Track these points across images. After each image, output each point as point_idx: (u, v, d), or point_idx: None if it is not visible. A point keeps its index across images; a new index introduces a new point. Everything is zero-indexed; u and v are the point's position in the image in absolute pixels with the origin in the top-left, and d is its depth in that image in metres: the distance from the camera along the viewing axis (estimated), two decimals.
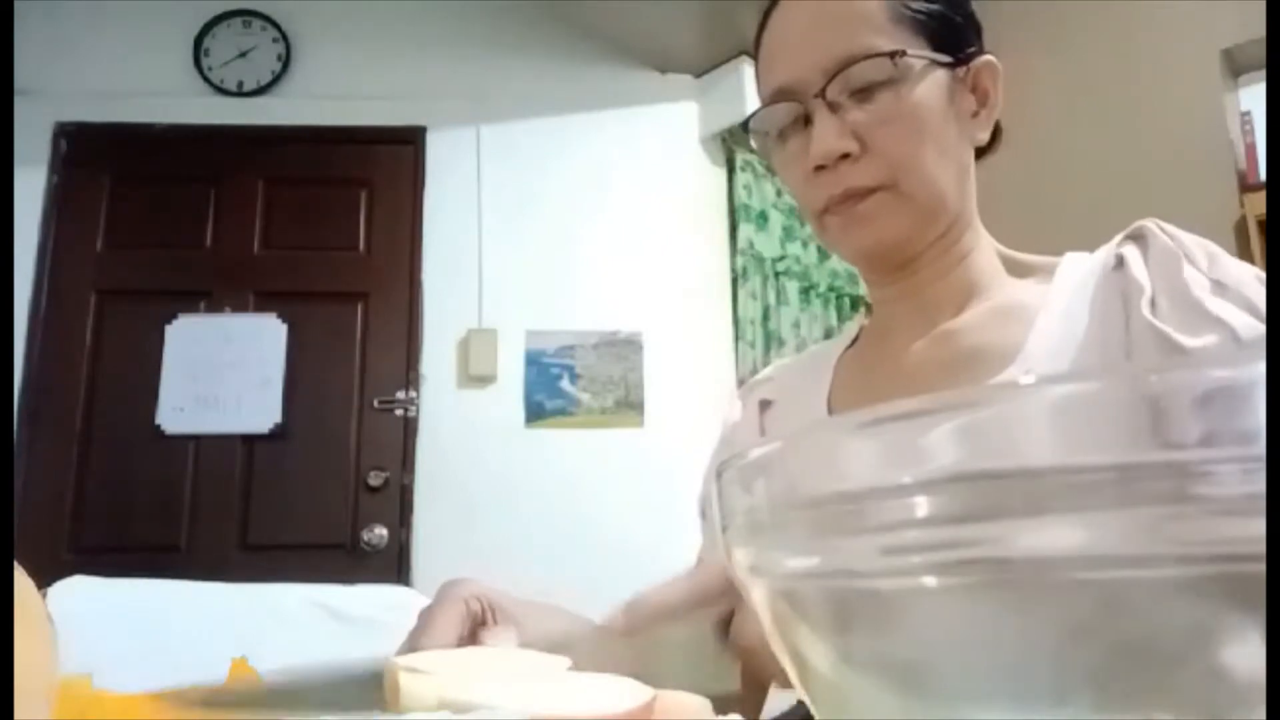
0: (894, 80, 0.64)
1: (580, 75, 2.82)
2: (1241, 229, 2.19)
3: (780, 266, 2.87)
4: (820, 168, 0.66)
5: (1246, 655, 0.13)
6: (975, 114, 0.69)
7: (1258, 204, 2.17)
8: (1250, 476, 0.13)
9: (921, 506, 0.15)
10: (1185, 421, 0.14)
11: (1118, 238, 0.67)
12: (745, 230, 2.79)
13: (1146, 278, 0.62)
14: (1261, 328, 0.57)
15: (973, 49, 0.69)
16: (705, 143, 2.85)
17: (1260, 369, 0.13)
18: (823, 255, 3.04)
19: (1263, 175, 2.25)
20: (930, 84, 0.65)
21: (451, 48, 2.81)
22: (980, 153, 0.71)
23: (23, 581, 0.30)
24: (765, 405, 0.80)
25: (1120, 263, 0.64)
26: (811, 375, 0.78)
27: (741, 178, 2.84)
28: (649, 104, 2.84)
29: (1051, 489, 0.14)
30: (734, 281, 2.79)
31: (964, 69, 0.68)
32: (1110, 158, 2.28)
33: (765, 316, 2.79)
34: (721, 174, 2.89)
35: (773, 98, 0.69)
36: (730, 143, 2.86)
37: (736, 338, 2.74)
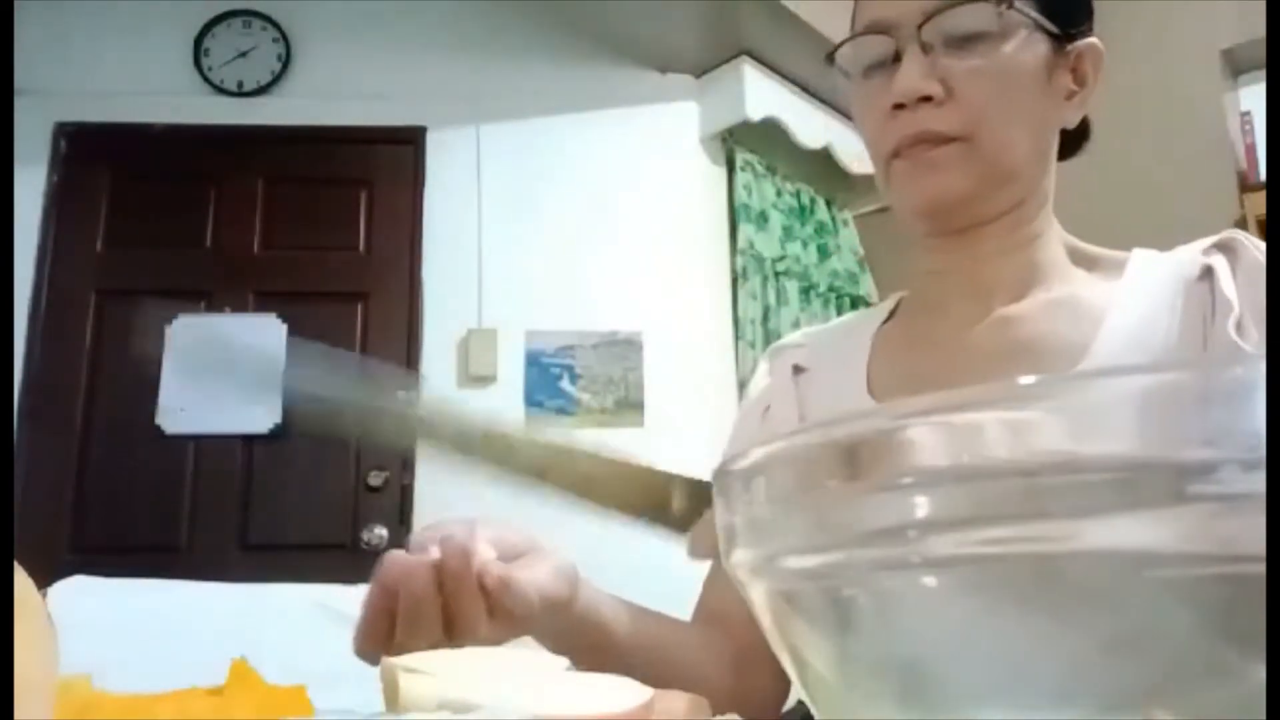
0: (994, 34, 0.62)
1: (580, 75, 2.82)
2: (1241, 229, 2.19)
3: (780, 266, 2.87)
4: (899, 107, 0.62)
5: (1247, 655, 0.13)
6: (1070, 96, 0.66)
7: (1258, 204, 2.17)
8: (1250, 478, 0.13)
9: (921, 507, 0.15)
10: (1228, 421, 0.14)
11: (1203, 244, 0.64)
12: (745, 230, 2.79)
13: (1235, 295, 0.59)
14: None
15: (1082, 28, 0.66)
16: (705, 143, 2.85)
17: None
18: (823, 255, 3.04)
19: (1263, 175, 2.25)
20: (1031, 47, 0.63)
21: (451, 48, 2.81)
22: (1064, 151, 0.69)
23: (23, 581, 0.30)
24: (799, 370, 0.76)
25: (1206, 273, 0.61)
26: (848, 347, 0.74)
27: (741, 178, 2.84)
28: (649, 104, 2.84)
29: (1051, 489, 0.14)
30: (734, 281, 2.79)
31: (1068, 46, 0.65)
32: (1110, 157, 2.27)
33: (765, 316, 2.79)
34: (721, 174, 2.89)
35: (866, 29, 0.65)
36: (730, 143, 2.86)
37: (736, 338, 2.74)
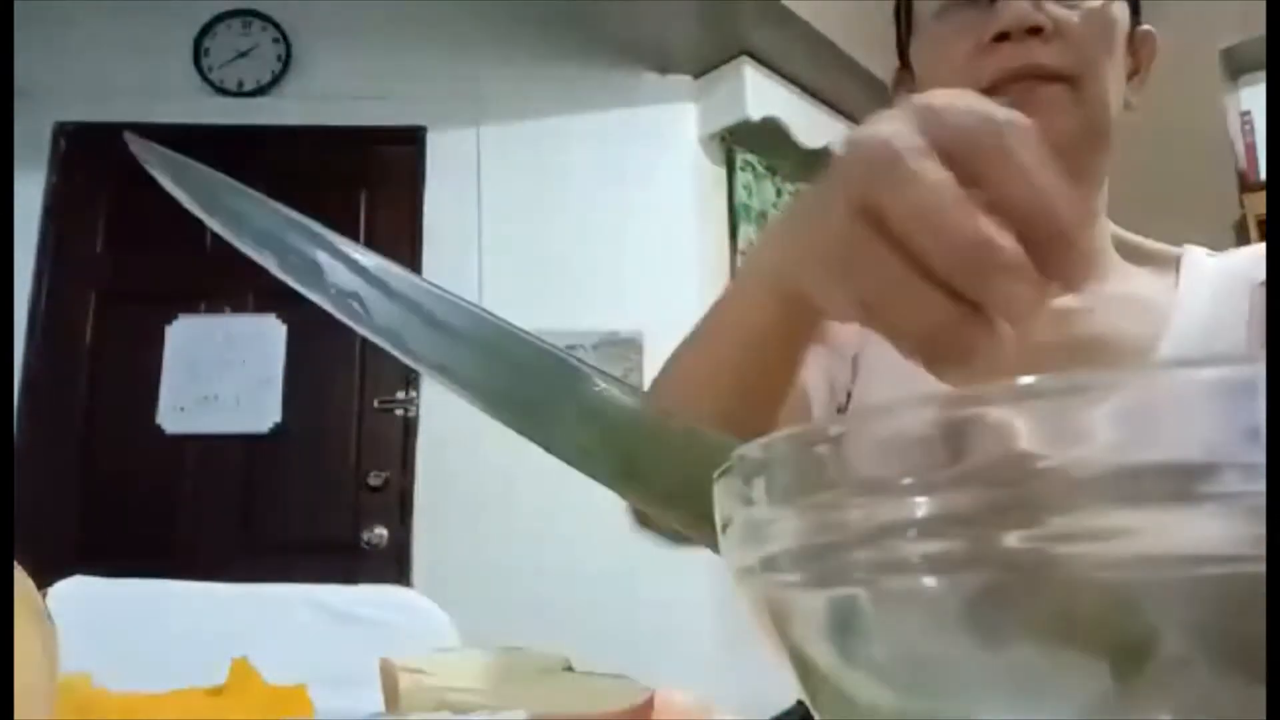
0: None
1: (580, 75, 2.82)
2: (1241, 229, 2.19)
3: None
4: (1002, 38, 0.59)
5: (1247, 655, 0.13)
6: (1130, 76, 0.65)
7: (1258, 204, 2.17)
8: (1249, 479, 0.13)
9: (922, 506, 0.15)
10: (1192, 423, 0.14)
11: (1261, 248, 0.63)
12: (745, 230, 2.79)
13: None
14: None
15: (1138, 16, 0.66)
16: (705, 143, 2.85)
17: None
18: None
19: (1263, 175, 2.25)
20: (1122, 12, 0.62)
21: (451, 48, 2.81)
22: None
23: (23, 582, 0.30)
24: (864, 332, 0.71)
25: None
26: None
27: (741, 178, 2.84)
28: (649, 104, 2.84)
29: (1050, 489, 0.14)
30: None
31: (1135, 28, 0.65)
32: (1110, 157, 2.27)
33: None
34: (721, 174, 2.89)
35: None
36: (730, 143, 2.86)
37: None
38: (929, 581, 0.16)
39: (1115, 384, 0.14)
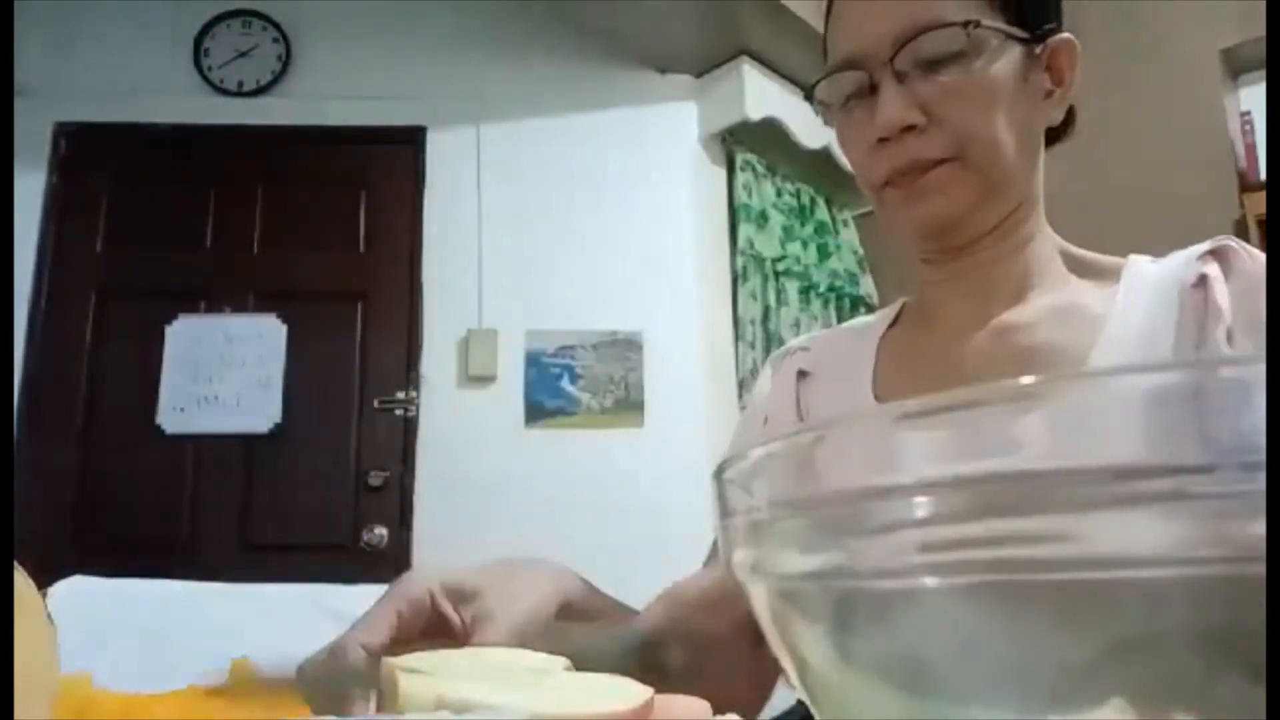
0: (965, 53, 0.62)
1: (580, 75, 2.82)
2: (1241, 229, 2.19)
3: (780, 266, 2.87)
4: (884, 140, 0.63)
5: (1248, 655, 0.13)
6: (1049, 94, 0.66)
7: (1258, 204, 2.17)
8: (1248, 479, 0.13)
9: (921, 507, 0.15)
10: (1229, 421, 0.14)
11: (1198, 250, 0.64)
12: (745, 230, 2.79)
13: (1228, 304, 0.59)
14: None
15: (1051, 25, 0.66)
16: (705, 143, 2.85)
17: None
18: (822, 255, 3.04)
19: (1263, 175, 2.25)
20: (1004, 57, 0.63)
21: (451, 48, 2.81)
22: (1051, 139, 0.69)
23: (23, 581, 0.30)
24: (803, 376, 0.77)
25: (1201, 281, 0.61)
26: (854, 353, 0.75)
27: (741, 178, 2.84)
28: (649, 104, 2.84)
29: (1049, 490, 0.14)
30: (734, 281, 2.79)
31: (1040, 46, 0.65)
32: (1110, 157, 2.28)
33: (765, 316, 2.79)
34: (721, 174, 2.89)
35: (839, 66, 0.66)
36: (730, 143, 2.86)
37: (736, 338, 2.74)
38: (929, 581, 0.16)
39: (1034, 393, 0.15)
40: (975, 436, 0.15)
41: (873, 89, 0.64)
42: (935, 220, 0.65)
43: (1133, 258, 0.68)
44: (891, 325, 0.76)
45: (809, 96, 0.70)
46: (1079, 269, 0.69)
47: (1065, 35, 0.67)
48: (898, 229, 0.68)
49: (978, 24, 0.61)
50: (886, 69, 0.63)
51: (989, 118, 0.62)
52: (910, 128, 0.62)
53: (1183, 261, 0.65)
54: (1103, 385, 0.15)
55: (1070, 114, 0.69)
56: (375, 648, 0.45)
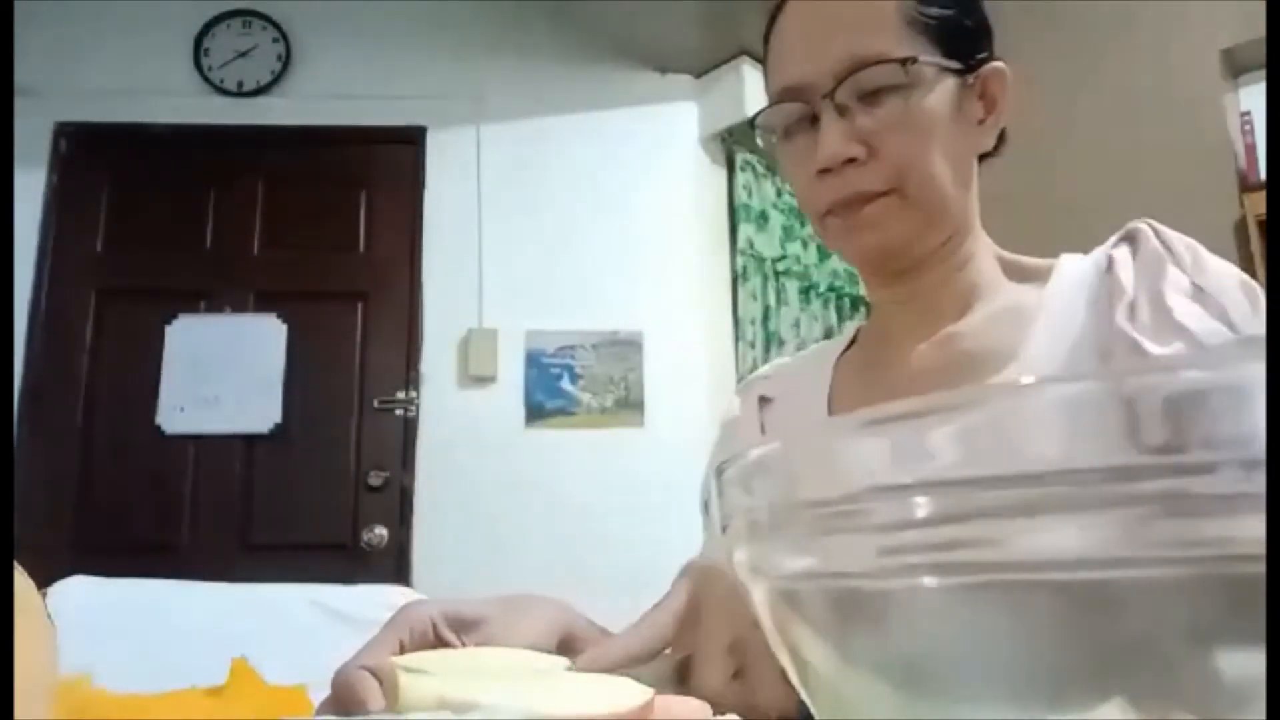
0: (904, 86, 0.63)
1: (580, 75, 2.83)
2: (1241, 229, 2.19)
3: (780, 266, 2.87)
4: (825, 170, 0.65)
5: (1245, 655, 0.13)
6: (981, 121, 0.68)
7: (1258, 204, 2.17)
8: (1224, 476, 0.13)
9: (921, 507, 0.16)
10: (1154, 424, 0.14)
11: (1113, 238, 0.67)
12: (745, 230, 2.79)
13: (1131, 281, 0.62)
14: (1228, 335, 0.57)
15: (983, 55, 0.68)
16: (705, 143, 2.85)
17: (1226, 375, 0.13)
18: (823, 255, 3.05)
19: (1263, 175, 2.25)
20: (940, 91, 0.65)
21: (451, 48, 2.81)
22: (982, 156, 0.71)
23: (23, 582, 0.30)
24: (765, 402, 0.80)
25: (1110, 265, 0.65)
26: (811, 375, 0.78)
27: (741, 178, 2.84)
28: (649, 104, 2.84)
29: (1046, 490, 0.14)
30: (734, 281, 2.79)
31: (973, 76, 0.67)
32: (1110, 158, 2.28)
33: (765, 316, 2.79)
34: (721, 174, 2.89)
35: (780, 96, 0.68)
36: (730, 143, 2.86)
37: (736, 338, 2.74)
38: (929, 582, 0.16)
39: (958, 404, 0.16)
40: (909, 447, 0.16)
41: (813, 119, 0.66)
42: (874, 251, 0.68)
43: (1064, 257, 0.70)
44: (849, 348, 0.79)
45: (751, 124, 0.71)
46: (1015, 274, 0.72)
47: (997, 64, 0.69)
48: (842, 256, 0.71)
49: (915, 60, 0.63)
50: (827, 101, 0.64)
51: (926, 150, 0.64)
52: (851, 160, 0.64)
53: (1101, 251, 0.68)
54: (1022, 395, 0.16)
55: (1000, 136, 0.71)
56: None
